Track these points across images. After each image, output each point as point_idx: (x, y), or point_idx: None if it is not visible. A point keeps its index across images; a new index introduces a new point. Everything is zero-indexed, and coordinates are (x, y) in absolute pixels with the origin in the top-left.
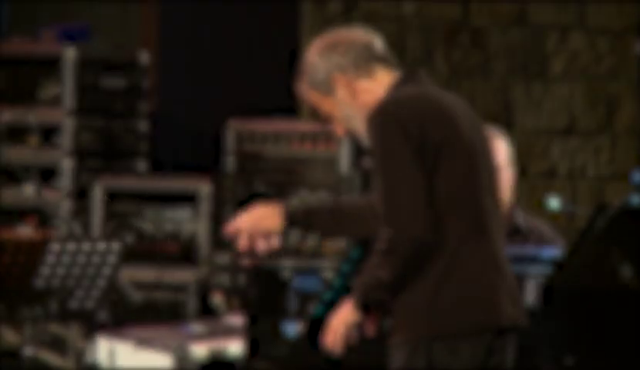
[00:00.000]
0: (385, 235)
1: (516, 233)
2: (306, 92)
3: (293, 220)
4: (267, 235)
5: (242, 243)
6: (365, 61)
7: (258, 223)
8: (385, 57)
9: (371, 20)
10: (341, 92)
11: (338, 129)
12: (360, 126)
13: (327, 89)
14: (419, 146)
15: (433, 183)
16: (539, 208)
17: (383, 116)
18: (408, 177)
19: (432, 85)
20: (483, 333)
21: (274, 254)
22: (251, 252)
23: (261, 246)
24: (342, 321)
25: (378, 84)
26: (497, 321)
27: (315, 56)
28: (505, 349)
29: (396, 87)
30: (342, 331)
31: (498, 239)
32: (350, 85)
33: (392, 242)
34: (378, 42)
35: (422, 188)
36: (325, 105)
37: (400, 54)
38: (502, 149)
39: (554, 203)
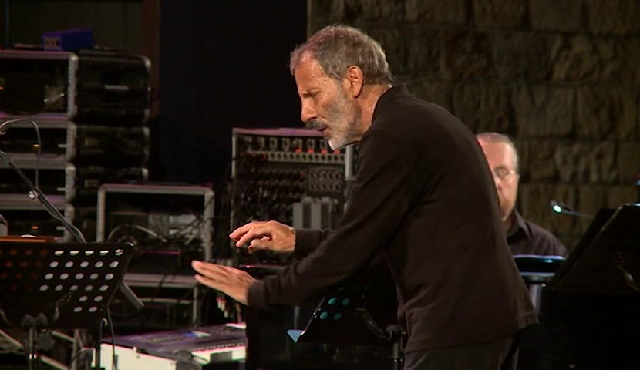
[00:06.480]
0: (324, 249)
1: (520, 237)
2: (307, 59)
3: (306, 248)
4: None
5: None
6: (377, 73)
7: (276, 240)
8: (388, 75)
9: (374, 25)
10: (348, 85)
11: (306, 111)
12: (339, 125)
13: (336, 72)
14: (417, 168)
15: (440, 198)
16: (543, 213)
17: (381, 136)
18: (381, 211)
19: (416, 98)
20: (503, 338)
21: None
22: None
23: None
24: (228, 288)
25: (376, 96)
26: (516, 325)
27: (341, 40)
28: (515, 350)
29: (385, 102)
30: (217, 286)
31: (506, 243)
32: (362, 84)
33: (319, 264)
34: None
35: (390, 223)
36: (322, 84)
37: (403, 59)
38: (507, 154)
39: (556, 207)
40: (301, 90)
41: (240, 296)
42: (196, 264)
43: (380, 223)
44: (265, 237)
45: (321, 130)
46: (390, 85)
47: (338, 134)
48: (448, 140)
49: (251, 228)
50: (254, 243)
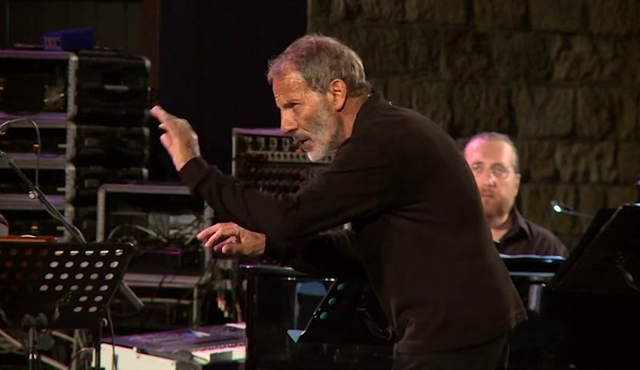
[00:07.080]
0: (279, 202)
1: (521, 237)
2: (289, 70)
3: (275, 249)
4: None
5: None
6: (358, 85)
7: (245, 243)
8: (367, 86)
9: (374, 25)
10: (331, 98)
11: (286, 122)
12: (321, 137)
13: (320, 85)
14: (399, 181)
15: (428, 207)
16: (543, 213)
17: (372, 142)
18: (340, 201)
19: (395, 106)
20: (497, 339)
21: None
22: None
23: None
24: (177, 144)
25: (357, 107)
26: (509, 325)
27: (323, 51)
28: (506, 348)
29: (367, 113)
30: (169, 138)
31: (493, 244)
32: (345, 97)
33: (265, 207)
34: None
35: (341, 218)
36: (305, 97)
37: (403, 59)
38: (505, 152)
39: (556, 206)
40: (281, 101)
41: (180, 160)
42: (156, 110)
43: (331, 212)
44: (233, 238)
45: (302, 142)
46: (369, 95)
47: (320, 147)
48: (432, 149)
49: (219, 229)
50: (224, 248)
